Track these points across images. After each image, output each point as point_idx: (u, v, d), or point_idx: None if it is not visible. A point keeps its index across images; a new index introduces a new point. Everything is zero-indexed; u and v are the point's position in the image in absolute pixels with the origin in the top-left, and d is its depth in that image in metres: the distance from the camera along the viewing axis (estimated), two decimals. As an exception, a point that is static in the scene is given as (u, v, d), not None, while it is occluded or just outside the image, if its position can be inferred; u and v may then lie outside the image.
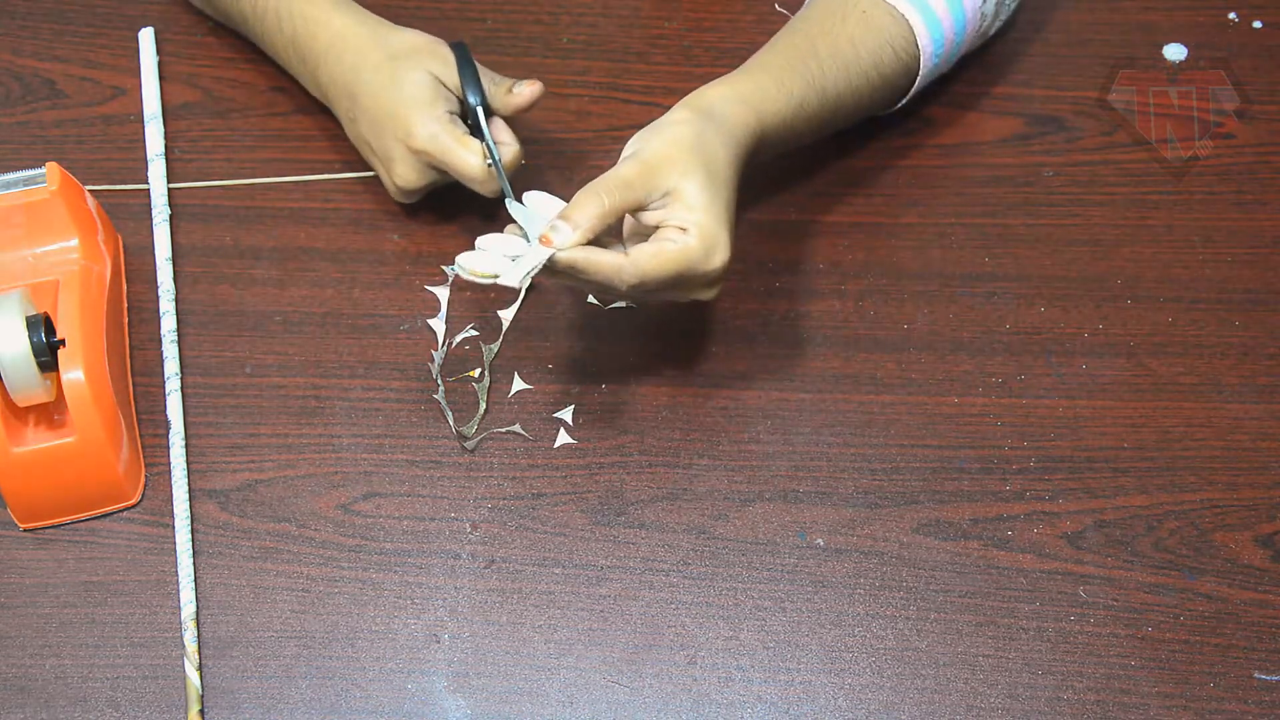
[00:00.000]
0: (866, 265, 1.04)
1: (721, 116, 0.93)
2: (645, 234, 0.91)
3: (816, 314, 1.01)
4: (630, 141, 0.92)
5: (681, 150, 0.90)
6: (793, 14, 1.04)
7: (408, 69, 0.99)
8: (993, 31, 1.08)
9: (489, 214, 1.05)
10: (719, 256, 0.89)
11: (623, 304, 1.01)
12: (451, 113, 0.99)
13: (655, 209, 0.90)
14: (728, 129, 0.92)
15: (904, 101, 1.05)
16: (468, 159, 0.97)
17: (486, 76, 1.00)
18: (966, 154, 1.08)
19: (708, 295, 0.92)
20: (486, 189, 0.99)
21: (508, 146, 0.99)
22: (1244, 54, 1.13)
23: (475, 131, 0.99)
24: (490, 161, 0.97)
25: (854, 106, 1.01)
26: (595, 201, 0.88)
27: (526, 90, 1.00)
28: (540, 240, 0.87)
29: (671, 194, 0.89)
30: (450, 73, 0.99)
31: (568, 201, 0.89)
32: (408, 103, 0.98)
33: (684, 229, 0.88)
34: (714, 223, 0.89)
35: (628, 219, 0.91)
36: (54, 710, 0.88)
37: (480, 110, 0.98)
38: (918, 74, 1.03)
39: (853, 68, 0.99)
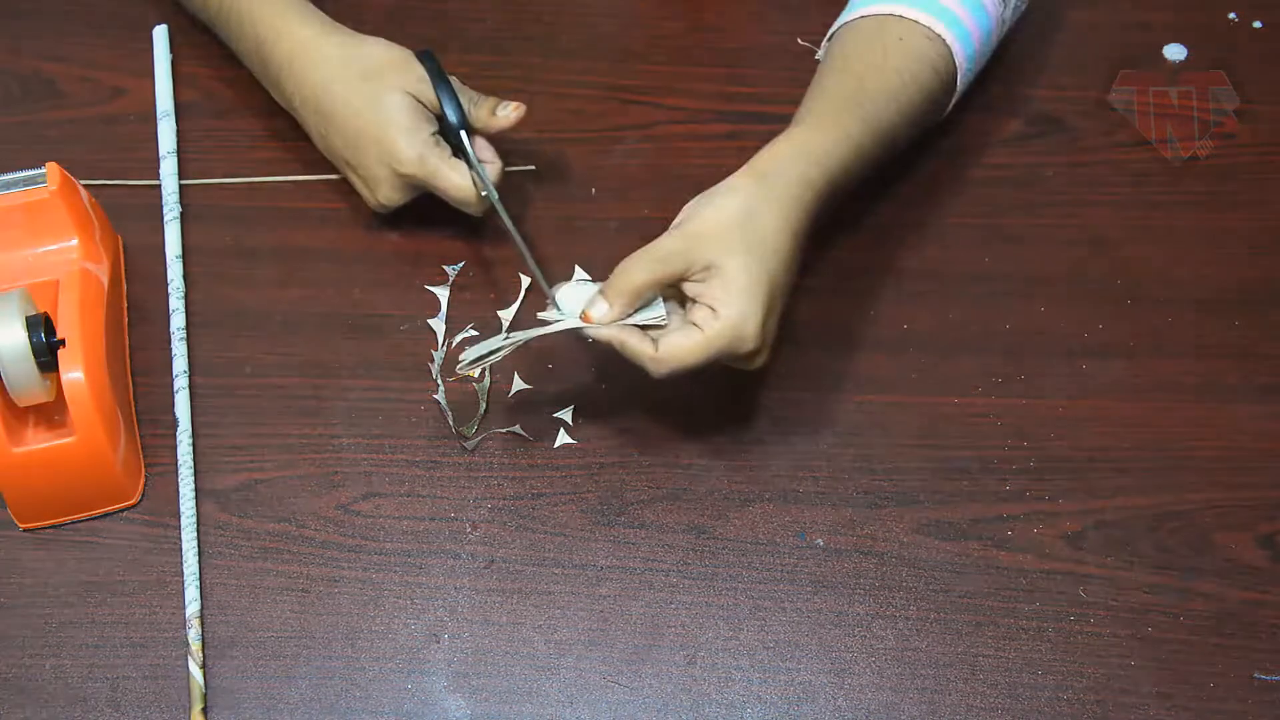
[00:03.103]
0: (867, 265, 1.04)
1: (782, 180, 0.90)
2: (684, 300, 0.90)
3: (817, 314, 1.01)
4: (686, 206, 0.91)
5: (727, 225, 0.88)
6: (814, 44, 1.03)
7: (385, 90, 0.98)
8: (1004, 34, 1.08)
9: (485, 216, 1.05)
10: (750, 339, 0.87)
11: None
12: (434, 133, 0.98)
13: (696, 281, 0.88)
14: (788, 193, 0.90)
15: (942, 117, 1.04)
16: (457, 181, 0.98)
17: (463, 94, 0.99)
18: (966, 154, 1.08)
19: (752, 367, 0.91)
20: (474, 210, 1.00)
21: (491, 165, 0.99)
22: (1244, 54, 1.13)
23: (457, 150, 0.99)
24: (484, 193, 0.98)
25: (905, 136, 1.00)
26: (632, 276, 0.88)
27: (512, 114, 0.99)
28: (582, 318, 0.89)
29: (712, 269, 0.87)
30: (426, 90, 0.98)
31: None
32: (391, 127, 0.97)
33: (714, 310, 0.87)
34: (748, 304, 0.87)
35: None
36: (54, 710, 0.88)
37: (464, 134, 0.98)
38: (955, 88, 1.02)
39: (901, 97, 0.97)
